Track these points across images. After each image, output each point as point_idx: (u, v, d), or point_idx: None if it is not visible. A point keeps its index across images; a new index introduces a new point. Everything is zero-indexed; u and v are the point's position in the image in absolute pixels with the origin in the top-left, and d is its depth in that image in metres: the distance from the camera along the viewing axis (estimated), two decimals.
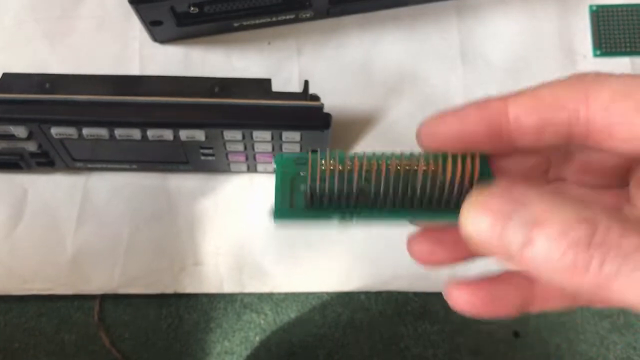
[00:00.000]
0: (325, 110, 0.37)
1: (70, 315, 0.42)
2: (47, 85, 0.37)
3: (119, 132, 0.37)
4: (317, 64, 0.43)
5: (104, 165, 0.41)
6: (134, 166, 0.41)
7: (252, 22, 0.42)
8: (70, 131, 0.37)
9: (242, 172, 0.42)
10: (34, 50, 0.43)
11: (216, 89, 0.37)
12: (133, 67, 0.43)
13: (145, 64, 0.43)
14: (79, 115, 0.36)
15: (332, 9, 0.42)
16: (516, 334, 0.42)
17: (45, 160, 0.40)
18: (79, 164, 0.41)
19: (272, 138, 0.38)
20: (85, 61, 0.43)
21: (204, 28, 0.42)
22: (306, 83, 0.38)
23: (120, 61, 0.43)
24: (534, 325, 0.42)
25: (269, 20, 0.42)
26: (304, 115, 0.37)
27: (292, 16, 0.42)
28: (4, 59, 0.43)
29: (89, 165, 0.41)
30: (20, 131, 0.37)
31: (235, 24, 0.42)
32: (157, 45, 0.43)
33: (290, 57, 0.44)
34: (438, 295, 0.42)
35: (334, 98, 0.38)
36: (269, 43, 0.44)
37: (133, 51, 0.43)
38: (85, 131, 0.36)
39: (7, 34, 0.43)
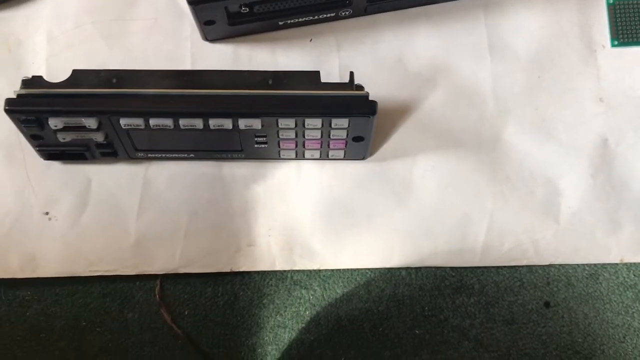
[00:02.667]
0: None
1: (133, 295, 0.45)
2: (114, 80, 0.41)
3: (183, 122, 0.40)
4: (356, 58, 0.47)
5: (164, 155, 0.44)
6: (192, 155, 0.44)
7: (296, 20, 0.46)
8: (137, 122, 0.40)
9: (291, 159, 0.45)
10: (93, 51, 0.46)
11: (270, 81, 0.41)
12: (185, 65, 0.46)
13: (196, 62, 0.46)
14: (146, 107, 0.40)
15: (370, 7, 0.46)
16: (547, 305, 0.45)
17: (109, 150, 0.43)
18: (140, 154, 0.44)
19: (322, 125, 0.41)
20: (141, 60, 0.46)
21: (252, 27, 0.45)
22: (352, 74, 0.41)
23: (173, 59, 0.46)
24: (563, 296, 0.45)
25: (311, 18, 0.46)
26: (352, 103, 0.40)
27: (332, 14, 0.46)
28: (66, 58, 0.46)
29: (150, 155, 0.44)
30: (91, 122, 0.40)
31: (280, 23, 0.46)
32: (207, 44, 0.47)
33: (330, 52, 0.47)
34: (473, 270, 0.46)
35: (372, 90, 0.42)
36: (311, 40, 0.47)
37: (185, 50, 0.46)
38: (152, 121, 0.40)
39: (68, 36, 0.47)
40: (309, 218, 0.45)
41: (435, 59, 0.47)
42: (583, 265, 0.46)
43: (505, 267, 0.46)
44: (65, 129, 0.40)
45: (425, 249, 0.45)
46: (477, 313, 0.45)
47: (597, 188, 0.46)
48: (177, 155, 0.44)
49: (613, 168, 0.46)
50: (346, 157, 0.45)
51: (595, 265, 0.46)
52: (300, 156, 0.45)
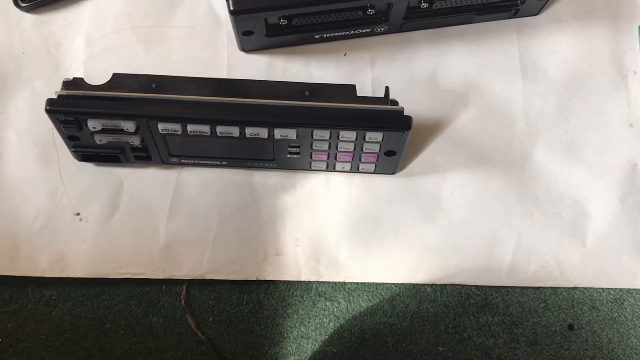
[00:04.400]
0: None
1: (158, 299, 0.45)
2: (154, 86, 0.41)
3: (220, 130, 0.40)
4: (389, 74, 0.47)
5: (197, 162, 0.45)
6: (224, 163, 0.45)
7: (332, 34, 0.46)
8: (175, 127, 0.40)
9: (321, 170, 0.45)
10: (131, 56, 0.47)
11: (307, 93, 0.41)
12: (221, 74, 0.47)
13: (232, 71, 0.47)
14: (184, 113, 0.40)
15: (405, 25, 0.46)
16: (571, 327, 0.45)
17: (144, 155, 0.44)
18: (173, 160, 0.44)
19: (357, 138, 0.41)
20: (177, 67, 0.47)
21: (288, 39, 0.46)
22: (387, 89, 0.42)
23: (209, 68, 0.47)
24: (587, 320, 0.45)
25: (347, 33, 0.46)
26: (388, 118, 0.41)
27: (368, 30, 0.46)
28: (103, 62, 0.47)
29: (183, 161, 0.45)
30: (129, 126, 0.41)
31: (317, 36, 0.46)
32: (243, 54, 0.47)
33: (364, 67, 0.47)
34: (499, 289, 0.46)
35: (404, 106, 0.42)
36: (345, 54, 0.48)
37: (221, 59, 0.47)
38: (190, 128, 0.40)
39: (107, 40, 0.47)
40: (336, 230, 0.45)
41: (468, 77, 0.48)
42: (608, 289, 0.46)
43: (530, 287, 0.46)
44: (104, 131, 0.41)
45: (451, 266, 0.45)
46: (500, 333, 0.45)
47: (625, 213, 0.46)
48: (209, 162, 0.45)
49: None
50: (376, 171, 0.45)
51: (620, 290, 0.46)
52: (331, 168, 0.45)
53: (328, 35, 0.46)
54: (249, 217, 0.45)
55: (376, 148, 0.42)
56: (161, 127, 0.40)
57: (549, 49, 0.48)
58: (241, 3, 0.41)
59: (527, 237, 0.45)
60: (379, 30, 0.46)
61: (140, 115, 0.40)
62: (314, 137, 0.41)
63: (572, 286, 0.45)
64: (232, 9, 0.41)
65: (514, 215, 0.45)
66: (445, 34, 0.48)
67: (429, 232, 0.45)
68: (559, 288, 0.46)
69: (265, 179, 0.46)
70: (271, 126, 0.40)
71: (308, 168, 0.45)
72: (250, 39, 0.45)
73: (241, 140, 0.41)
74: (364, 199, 0.45)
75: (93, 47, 0.47)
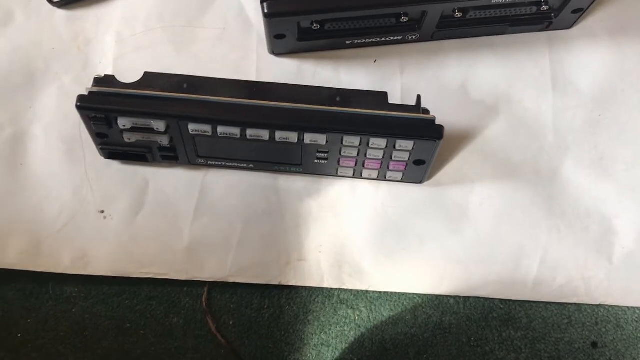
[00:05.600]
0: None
1: (179, 301, 0.45)
2: (185, 86, 0.41)
3: (250, 132, 0.40)
4: (418, 82, 0.47)
5: (223, 163, 0.44)
6: (250, 165, 0.44)
7: (363, 40, 0.46)
8: (205, 128, 0.40)
9: (347, 177, 0.45)
10: (160, 55, 0.47)
11: (338, 99, 0.41)
12: (250, 76, 0.47)
13: (261, 74, 0.47)
14: (215, 115, 0.40)
15: (437, 33, 0.46)
16: (594, 345, 0.45)
17: (171, 154, 0.44)
18: (200, 161, 0.44)
19: (386, 145, 0.41)
20: (206, 68, 0.47)
21: (319, 44, 0.46)
22: (419, 97, 0.41)
23: (239, 70, 0.47)
24: (611, 338, 0.45)
25: (377, 40, 0.46)
26: (419, 126, 0.40)
27: (399, 37, 0.46)
28: (132, 61, 0.47)
29: (209, 162, 0.44)
30: (159, 125, 0.40)
31: (347, 42, 0.46)
32: (272, 57, 0.47)
33: (393, 74, 0.47)
34: (522, 303, 0.45)
35: (433, 114, 0.42)
36: (375, 61, 0.47)
37: (251, 61, 0.47)
38: (220, 129, 0.40)
39: (136, 39, 0.47)
40: (360, 238, 0.45)
41: (498, 88, 0.47)
42: (634, 308, 0.45)
43: (554, 303, 0.45)
44: (133, 129, 0.41)
45: (475, 279, 0.45)
46: (523, 348, 0.45)
47: None
48: (236, 164, 0.45)
49: None
50: (403, 180, 0.45)
51: None
52: (357, 175, 0.45)
53: (359, 41, 0.46)
54: (273, 221, 0.45)
55: (405, 156, 0.42)
56: (191, 127, 0.40)
57: (580, 62, 0.48)
58: (276, 6, 0.41)
59: (553, 252, 0.45)
60: (410, 37, 0.46)
61: (171, 115, 0.40)
62: (343, 143, 0.41)
63: (597, 303, 0.45)
64: (266, 11, 0.41)
65: (541, 229, 0.45)
66: (476, 44, 0.48)
67: (454, 243, 0.45)
68: (583, 305, 0.45)
69: (290, 183, 0.45)
70: (301, 130, 0.40)
71: (334, 174, 0.45)
72: (282, 42, 0.45)
73: (270, 143, 0.41)
74: (390, 207, 0.45)
75: (123, 45, 0.47)
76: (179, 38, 0.47)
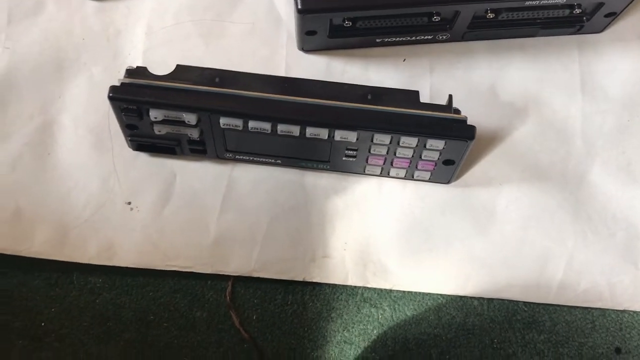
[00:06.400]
0: None
1: (203, 294, 0.45)
2: (217, 80, 0.41)
3: (281, 128, 0.40)
4: (447, 82, 0.47)
5: (251, 158, 0.44)
6: (278, 161, 0.44)
7: (393, 39, 0.46)
8: (237, 122, 0.40)
9: (374, 175, 0.45)
10: (190, 48, 0.47)
11: (369, 96, 0.41)
12: (279, 72, 0.47)
13: (290, 70, 0.47)
14: (247, 109, 0.40)
15: (468, 34, 0.46)
16: (618, 350, 0.45)
17: (200, 148, 0.44)
18: (228, 155, 0.44)
19: (417, 145, 0.41)
20: (235, 62, 0.47)
21: (349, 41, 0.46)
22: (450, 97, 0.41)
23: (268, 65, 0.47)
24: (635, 344, 0.45)
25: (407, 39, 0.46)
26: (451, 125, 0.40)
27: (429, 37, 0.46)
28: (162, 53, 0.47)
29: (237, 157, 0.44)
30: (191, 118, 0.40)
31: (377, 40, 0.46)
32: (301, 53, 0.47)
33: (423, 74, 0.47)
34: (546, 307, 0.45)
35: (464, 115, 0.42)
36: (404, 60, 0.47)
37: (280, 57, 0.47)
38: (251, 124, 0.40)
39: (166, 31, 0.47)
40: (386, 236, 0.45)
41: (527, 91, 0.47)
42: None
43: (578, 307, 0.45)
44: (164, 121, 0.41)
45: (500, 281, 0.44)
46: (546, 351, 0.45)
47: None
48: (264, 159, 0.45)
49: None
50: (431, 180, 0.45)
51: None
52: (384, 173, 0.45)
53: (389, 40, 0.46)
54: (299, 217, 0.45)
55: (435, 156, 0.42)
56: (223, 121, 0.40)
57: (610, 67, 0.47)
58: (309, 2, 0.41)
59: (579, 256, 0.45)
60: (440, 37, 0.46)
61: (204, 108, 0.40)
62: (374, 140, 0.41)
63: (622, 309, 0.45)
64: (299, 7, 0.41)
65: (567, 233, 0.45)
66: (506, 45, 0.48)
67: (480, 244, 0.44)
68: (607, 310, 0.45)
69: (316, 179, 0.45)
70: (332, 127, 0.40)
71: (361, 172, 0.45)
72: (312, 38, 0.45)
73: (299, 139, 0.41)
74: (417, 206, 0.45)
75: (153, 37, 0.47)
76: (209, 32, 0.47)
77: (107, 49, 0.47)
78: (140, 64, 0.47)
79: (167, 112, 0.40)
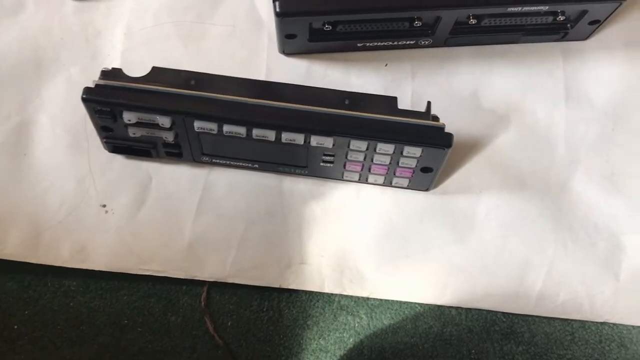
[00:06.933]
0: None
1: (178, 299, 0.44)
2: (193, 82, 0.40)
3: (256, 132, 0.40)
4: (429, 88, 0.46)
5: (228, 162, 0.44)
6: (255, 165, 0.44)
7: (374, 43, 0.45)
8: (211, 126, 0.40)
9: (353, 181, 0.44)
10: (169, 49, 0.47)
11: (347, 102, 0.40)
12: (259, 75, 0.46)
13: (270, 73, 0.46)
14: (222, 113, 0.39)
15: (450, 40, 0.45)
16: None
17: (176, 151, 0.43)
18: (205, 158, 0.44)
19: (394, 151, 0.40)
20: (215, 65, 0.46)
21: (330, 45, 0.45)
22: (429, 104, 0.41)
23: (248, 68, 0.46)
24: (615, 357, 0.44)
25: (390, 43, 0.45)
26: (428, 133, 0.40)
27: (411, 42, 0.45)
28: (141, 54, 0.47)
29: (214, 160, 0.44)
30: (164, 121, 0.40)
31: (359, 44, 0.45)
32: (282, 56, 0.47)
33: (404, 79, 0.47)
34: (525, 317, 0.44)
35: (443, 121, 0.41)
36: (386, 65, 0.47)
37: (260, 60, 0.47)
38: (226, 128, 0.40)
39: (146, 32, 0.47)
40: (363, 243, 0.44)
41: (510, 98, 0.46)
42: (639, 327, 0.45)
43: (557, 318, 0.44)
44: (138, 124, 0.40)
45: (479, 290, 0.44)
46: None
47: None
48: (241, 163, 0.44)
49: None
50: (410, 187, 0.44)
51: None
52: (363, 180, 0.44)
53: (370, 44, 0.45)
54: (276, 223, 0.44)
55: (413, 163, 0.41)
56: (197, 124, 0.40)
57: (595, 75, 0.47)
58: (288, 5, 0.40)
59: (559, 266, 0.44)
60: (422, 42, 0.46)
61: (177, 111, 0.39)
62: (350, 147, 0.40)
63: (602, 321, 0.44)
64: (278, 10, 0.40)
65: (548, 242, 0.44)
66: (489, 51, 0.47)
67: (459, 253, 0.44)
68: (587, 322, 0.44)
69: (294, 184, 0.45)
70: (308, 132, 0.39)
71: (339, 177, 0.44)
72: (292, 42, 0.44)
73: (276, 144, 0.40)
74: (395, 213, 0.44)
75: (132, 38, 0.47)
76: (189, 33, 0.47)
77: (86, 49, 0.47)
78: (119, 65, 0.46)
79: (140, 114, 0.40)
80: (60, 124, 0.45)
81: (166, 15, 0.47)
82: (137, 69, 0.41)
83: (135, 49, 0.47)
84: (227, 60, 0.47)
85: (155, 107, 0.39)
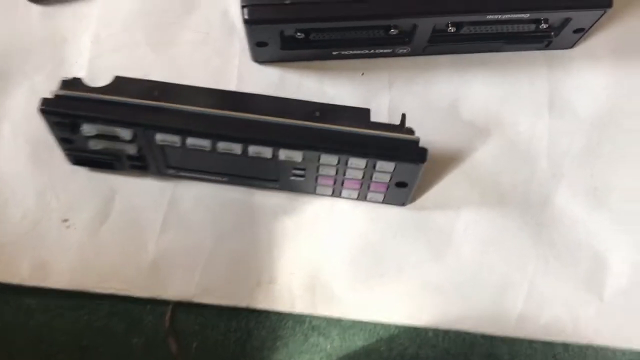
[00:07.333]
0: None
1: (141, 319, 0.42)
2: (156, 93, 0.39)
3: (221, 145, 0.38)
4: (407, 98, 0.45)
5: (195, 175, 0.42)
6: (224, 179, 0.42)
7: (350, 52, 0.44)
8: (174, 139, 0.38)
9: (326, 195, 0.43)
10: (139, 57, 0.45)
11: (317, 114, 0.39)
12: (230, 83, 0.44)
13: (242, 82, 0.44)
14: (184, 125, 0.38)
15: (429, 48, 0.43)
16: None
17: (140, 164, 0.41)
18: (171, 171, 0.42)
19: (366, 166, 0.38)
20: (185, 72, 0.45)
21: (304, 53, 0.43)
22: (403, 116, 0.39)
23: (219, 76, 0.45)
24: None
25: (366, 52, 0.44)
26: (401, 147, 0.38)
27: (388, 50, 0.44)
28: (109, 62, 0.45)
29: (181, 173, 0.42)
30: (125, 133, 0.38)
31: (334, 52, 0.44)
32: (255, 64, 0.45)
33: (381, 89, 0.45)
34: (505, 340, 0.42)
35: (420, 132, 0.39)
36: (363, 74, 0.45)
37: (232, 68, 0.45)
38: (189, 141, 0.38)
39: (115, 39, 0.45)
40: (336, 261, 0.42)
41: (491, 109, 0.45)
42: (623, 349, 0.43)
43: (539, 340, 0.42)
44: (98, 136, 0.39)
45: (456, 311, 0.42)
46: None
47: None
48: (209, 177, 0.42)
49: None
50: (385, 201, 0.43)
51: (638, 352, 0.42)
52: (336, 194, 0.42)
53: (346, 53, 0.44)
54: (245, 239, 0.42)
55: (386, 178, 0.39)
56: (158, 137, 0.38)
57: (580, 85, 0.45)
58: (257, 12, 0.39)
59: (541, 285, 0.42)
60: (400, 51, 0.44)
61: (138, 124, 0.37)
62: (321, 161, 0.38)
63: (585, 342, 0.42)
64: (246, 17, 0.39)
65: (528, 260, 0.42)
66: (471, 60, 0.45)
67: (435, 271, 0.42)
68: (570, 344, 0.42)
69: (265, 199, 0.43)
70: (276, 146, 0.38)
71: (312, 192, 0.42)
72: (264, 50, 0.43)
73: (243, 157, 0.39)
74: (369, 229, 0.43)
75: (100, 45, 0.45)
76: (159, 40, 0.45)
77: (52, 57, 0.45)
78: (86, 73, 0.45)
79: (100, 126, 0.38)
80: (22, 134, 0.44)
81: (136, 21, 0.45)
82: (105, 76, 0.39)
83: (104, 56, 0.45)
84: (198, 68, 0.45)
85: (115, 119, 0.37)
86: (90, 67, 0.45)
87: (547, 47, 0.45)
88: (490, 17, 0.39)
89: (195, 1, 0.46)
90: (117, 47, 0.45)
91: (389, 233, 0.43)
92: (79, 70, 0.45)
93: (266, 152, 0.38)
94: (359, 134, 0.38)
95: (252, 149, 0.38)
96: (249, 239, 0.42)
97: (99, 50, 0.45)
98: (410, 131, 0.39)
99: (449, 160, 0.44)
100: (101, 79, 0.39)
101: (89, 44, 0.45)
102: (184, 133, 0.38)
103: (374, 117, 0.39)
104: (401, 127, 0.39)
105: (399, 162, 0.38)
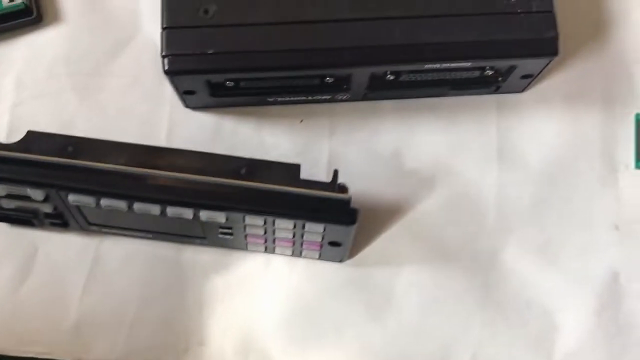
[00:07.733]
0: (352, 198, 0.35)
1: None
2: (70, 149, 0.36)
3: (137, 207, 0.35)
4: (349, 146, 0.42)
5: (119, 232, 0.40)
6: (149, 235, 0.40)
7: (287, 98, 0.41)
8: (88, 200, 0.35)
9: (259, 251, 0.40)
10: (63, 104, 0.42)
11: (242, 171, 0.36)
12: (161, 130, 0.42)
13: (173, 129, 0.42)
14: (98, 186, 0.35)
15: (369, 94, 0.41)
16: None
17: (59, 221, 0.39)
18: (93, 228, 0.40)
19: (295, 227, 0.36)
20: (112, 120, 0.42)
21: (237, 100, 0.41)
22: (335, 173, 0.36)
23: (148, 123, 0.42)
24: None
25: (303, 98, 0.41)
26: (330, 208, 0.35)
27: (327, 97, 0.41)
28: (32, 109, 0.42)
29: (104, 230, 0.40)
30: (37, 194, 0.36)
31: (269, 99, 0.41)
32: (188, 110, 0.42)
33: (321, 136, 0.42)
34: None
35: (362, 183, 0.37)
36: (302, 121, 0.42)
37: (163, 114, 0.42)
38: (104, 202, 0.35)
39: (39, 85, 0.43)
40: (271, 322, 0.40)
41: (437, 157, 0.42)
42: None
43: None
44: (9, 196, 0.36)
45: None
46: None
47: (601, 328, 0.40)
48: (133, 233, 0.40)
49: (621, 307, 0.40)
50: (321, 258, 0.40)
51: None
52: (270, 250, 0.40)
53: (282, 99, 0.41)
54: (173, 299, 0.40)
55: (318, 238, 0.37)
56: (71, 198, 0.35)
57: (531, 132, 0.42)
58: (177, 63, 0.36)
59: (487, 349, 0.39)
60: (340, 97, 0.41)
61: (47, 185, 0.35)
62: (246, 222, 0.36)
63: None
64: (166, 68, 0.36)
65: (474, 321, 0.40)
66: (417, 105, 0.43)
67: (374, 333, 0.39)
68: None
69: (196, 255, 0.40)
70: (196, 207, 0.35)
71: (244, 248, 0.40)
72: (193, 97, 0.40)
73: (164, 217, 0.36)
74: (305, 288, 0.40)
75: (23, 91, 0.42)
76: (85, 86, 0.43)
77: None
78: (6, 121, 0.42)
79: (9, 187, 0.36)
80: None
81: (61, 65, 0.43)
82: (26, 125, 0.37)
83: (27, 103, 0.42)
84: (126, 115, 0.42)
85: (22, 180, 0.35)
86: (12, 114, 0.42)
87: (497, 91, 0.42)
88: (428, 66, 0.37)
89: (125, 44, 0.43)
90: (41, 93, 0.43)
91: (327, 292, 0.40)
92: (0, 117, 0.43)
93: (186, 213, 0.35)
94: (287, 192, 0.35)
95: (171, 211, 0.35)
96: (177, 298, 0.40)
97: (21, 97, 0.43)
98: (343, 189, 0.36)
99: (391, 213, 0.41)
100: (25, 126, 0.37)
101: (11, 89, 0.43)
102: (97, 194, 0.35)
103: (312, 168, 0.37)
104: (333, 184, 0.36)
105: (328, 224, 0.36)
